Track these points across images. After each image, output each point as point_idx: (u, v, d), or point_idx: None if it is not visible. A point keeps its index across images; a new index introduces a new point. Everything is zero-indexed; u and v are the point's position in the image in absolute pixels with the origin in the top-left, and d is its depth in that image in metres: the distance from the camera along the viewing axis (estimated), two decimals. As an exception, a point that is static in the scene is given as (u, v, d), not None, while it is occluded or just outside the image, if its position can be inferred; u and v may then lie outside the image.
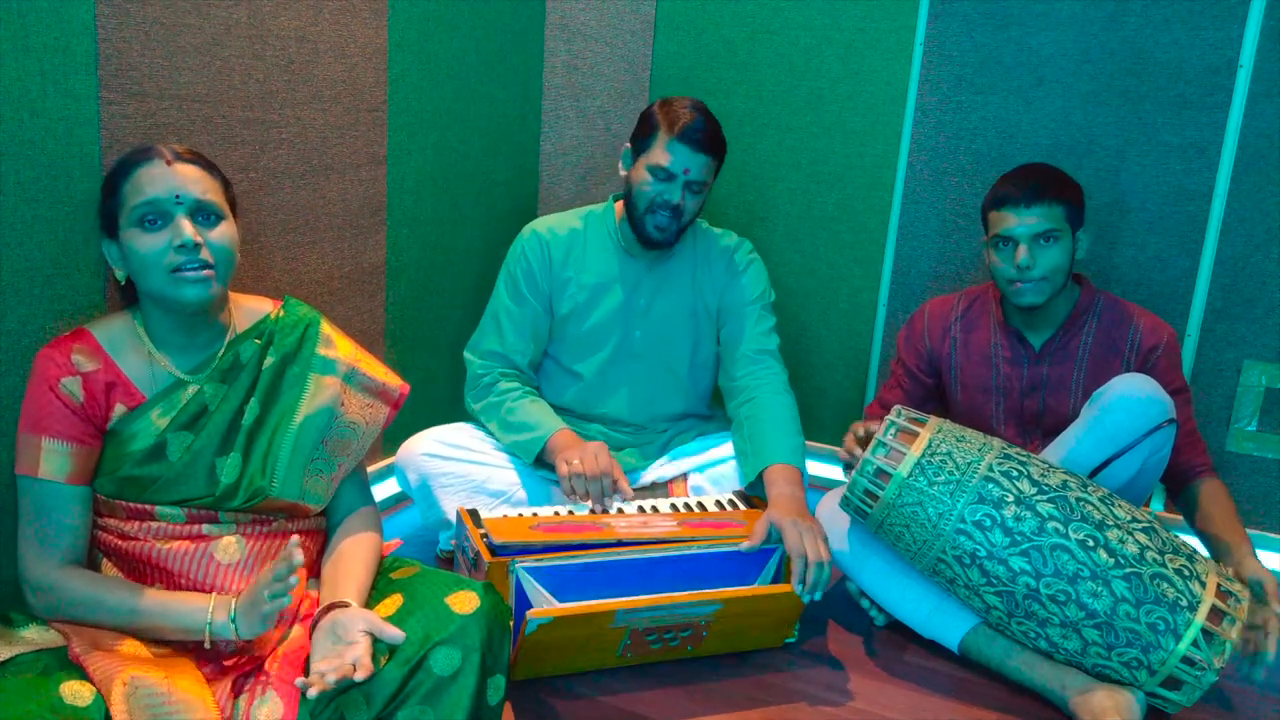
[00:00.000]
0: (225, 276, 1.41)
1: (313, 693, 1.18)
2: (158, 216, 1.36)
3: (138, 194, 1.36)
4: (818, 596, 1.73)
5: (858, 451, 1.85)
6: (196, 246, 1.35)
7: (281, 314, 1.53)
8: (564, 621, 1.62)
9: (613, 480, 1.90)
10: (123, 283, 1.43)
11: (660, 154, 2.00)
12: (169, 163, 1.38)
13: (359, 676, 1.20)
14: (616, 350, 2.16)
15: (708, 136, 2.00)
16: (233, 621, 1.30)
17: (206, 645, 1.32)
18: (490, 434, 2.12)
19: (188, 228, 1.35)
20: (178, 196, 1.36)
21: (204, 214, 1.39)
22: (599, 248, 2.16)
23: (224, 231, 1.40)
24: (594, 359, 2.16)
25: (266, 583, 1.26)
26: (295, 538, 1.26)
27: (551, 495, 2.07)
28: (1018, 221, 1.91)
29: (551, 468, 2.05)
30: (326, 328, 1.55)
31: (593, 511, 1.88)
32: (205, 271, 1.37)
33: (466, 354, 2.17)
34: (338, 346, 1.54)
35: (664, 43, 2.65)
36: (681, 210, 2.03)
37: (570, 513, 1.89)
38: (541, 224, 2.18)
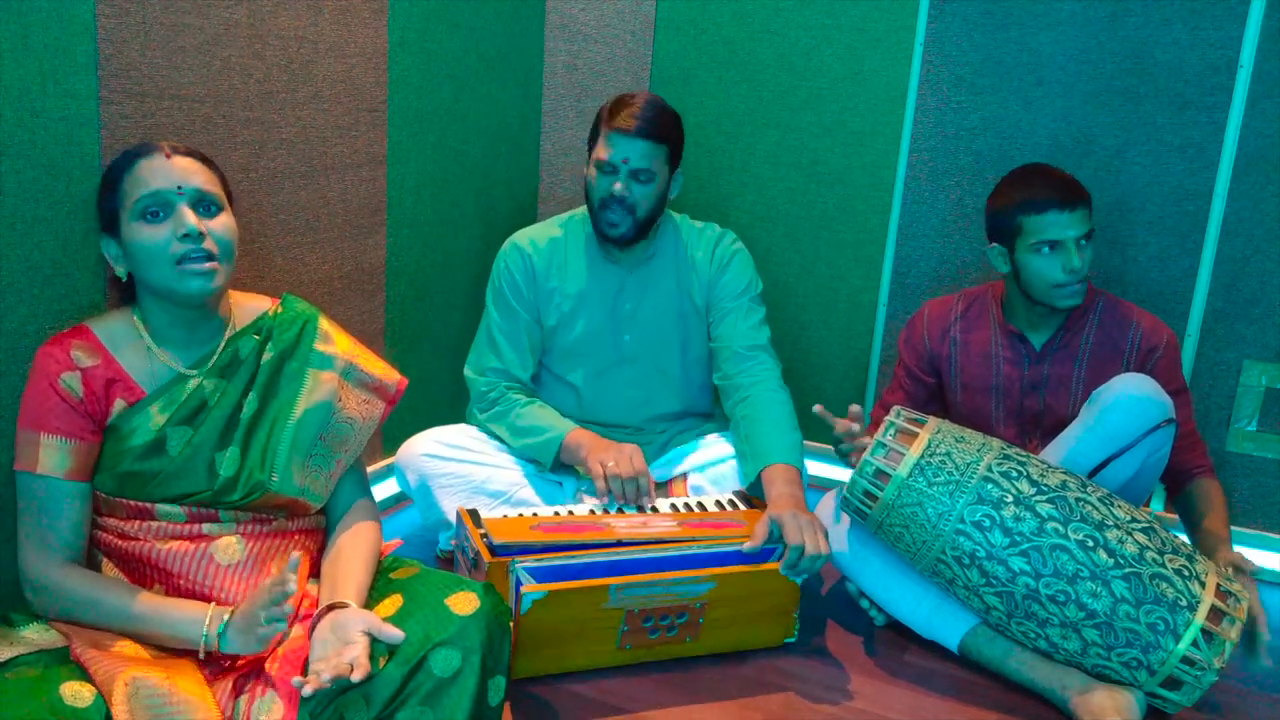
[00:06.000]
0: (227, 267, 1.42)
1: (307, 690, 1.18)
2: (160, 208, 1.37)
3: (140, 186, 1.36)
4: (803, 577, 1.76)
5: (855, 427, 1.86)
6: (200, 235, 1.36)
7: (280, 310, 1.54)
8: (558, 598, 1.63)
9: (649, 480, 1.93)
10: (124, 279, 1.43)
11: (601, 148, 2.00)
12: (168, 156, 1.39)
13: (356, 677, 1.20)
14: (607, 356, 2.16)
15: (645, 122, 1.97)
16: (220, 636, 1.30)
17: (201, 656, 1.32)
18: (493, 436, 2.12)
19: (190, 217, 1.36)
20: (179, 188, 1.37)
21: (205, 205, 1.40)
22: (579, 255, 2.15)
23: (224, 222, 1.42)
24: (585, 367, 2.16)
25: (263, 604, 1.25)
26: (295, 555, 1.25)
27: (557, 495, 2.07)
28: (1067, 224, 1.88)
29: (568, 469, 2.05)
30: (324, 324, 1.56)
31: (621, 510, 1.90)
32: (209, 263, 1.37)
33: (468, 373, 2.17)
34: (335, 342, 1.55)
35: (664, 43, 2.65)
36: (631, 203, 2.00)
37: (570, 513, 1.89)
38: (522, 236, 2.17)
